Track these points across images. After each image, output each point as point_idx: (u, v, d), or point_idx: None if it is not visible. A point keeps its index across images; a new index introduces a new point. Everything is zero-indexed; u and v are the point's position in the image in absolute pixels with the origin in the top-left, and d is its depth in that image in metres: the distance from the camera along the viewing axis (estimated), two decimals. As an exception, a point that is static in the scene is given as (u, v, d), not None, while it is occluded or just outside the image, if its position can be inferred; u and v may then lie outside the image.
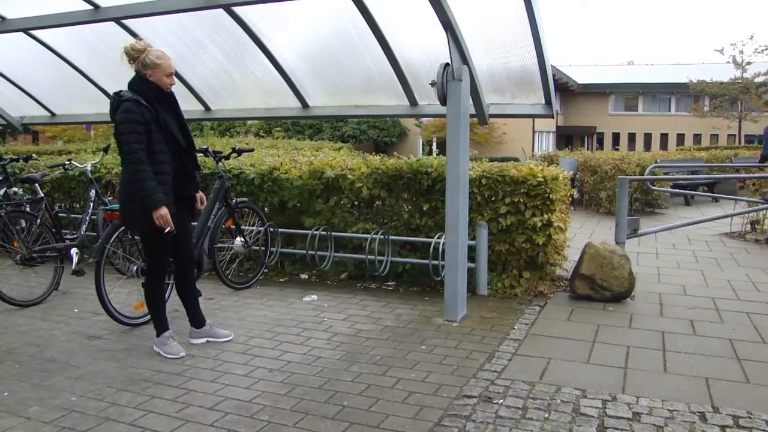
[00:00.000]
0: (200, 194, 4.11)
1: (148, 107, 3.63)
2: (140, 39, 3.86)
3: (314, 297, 5.23)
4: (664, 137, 37.25)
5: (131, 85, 3.73)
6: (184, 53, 5.62)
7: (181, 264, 4.06)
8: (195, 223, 4.74)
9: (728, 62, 28.64)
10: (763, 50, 27.76)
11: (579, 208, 11.71)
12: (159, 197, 3.58)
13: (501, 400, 3.18)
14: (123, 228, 4.46)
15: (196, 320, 4.14)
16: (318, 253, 5.55)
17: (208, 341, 4.12)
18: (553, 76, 5.14)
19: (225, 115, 6.48)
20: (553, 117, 5.19)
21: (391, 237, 5.51)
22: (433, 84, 4.41)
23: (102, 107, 6.65)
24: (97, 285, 4.23)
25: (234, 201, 5.37)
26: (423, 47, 4.92)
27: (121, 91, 3.71)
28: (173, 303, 4.91)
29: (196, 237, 4.88)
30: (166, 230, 3.64)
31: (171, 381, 3.48)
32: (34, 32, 5.89)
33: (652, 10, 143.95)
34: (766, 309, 4.85)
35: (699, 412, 3.03)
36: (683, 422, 2.93)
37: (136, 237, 4.71)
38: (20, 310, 4.91)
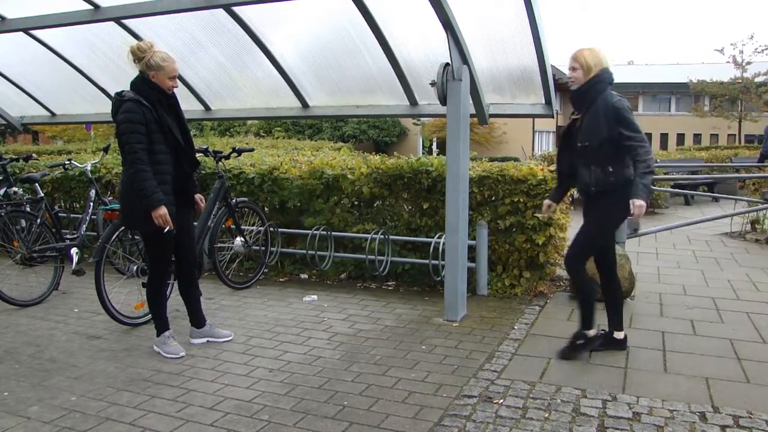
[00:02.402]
0: (198, 195, 4.10)
1: (149, 107, 3.63)
2: (143, 40, 3.87)
3: (314, 297, 5.23)
4: (664, 137, 37.26)
5: (133, 85, 3.73)
6: (184, 53, 5.62)
7: (184, 264, 4.06)
8: (195, 223, 4.74)
9: (728, 62, 28.65)
10: (763, 50, 27.82)
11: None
12: (158, 197, 3.58)
13: (501, 400, 3.18)
14: (123, 228, 4.46)
15: (197, 320, 4.15)
16: (318, 253, 5.55)
17: (208, 341, 4.12)
18: (553, 75, 5.13)
19: (225, 115, 6.48)
20: (553, 117, 5.19)
21: (391, 237, 5.51)
22: (433, 84, 4.41)
23: (102, 107, 6.66)
24: (97, 285, 4.24)
25: (234, 201, 5.37)
26: (423, 47, 4.91)
27: (123, 91, 3.72)
28: (173, 303, 4.91)
29: (196, 237, 4.88)
30: (166, 230, 3.64)
31: (171, 381, 3.48)
32: (34, 32, 5.89)
33: (652, 10, 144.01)
34: (766, 309, 4.85)
35: (699, 412, 3.03)
36: (683, 422, 2.93)
37: (136, 237, 4.72)
38: (20, 310, 4.91)
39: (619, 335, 3.86)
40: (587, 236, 3.75)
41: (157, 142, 3.65)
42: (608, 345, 3.85)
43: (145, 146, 3.59)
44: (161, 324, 3.95)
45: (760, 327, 4.37)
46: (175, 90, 3.85)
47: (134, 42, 3.93)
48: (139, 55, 3.69)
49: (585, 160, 3.64)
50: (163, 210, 3.59)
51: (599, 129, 3.52)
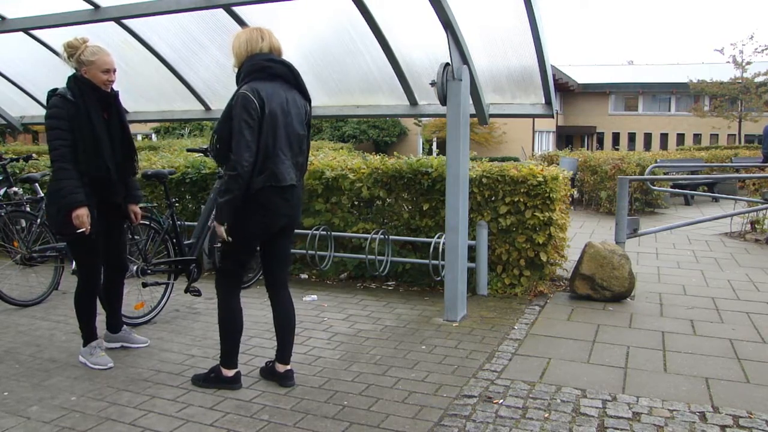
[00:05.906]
0: (135, 208, 3.86)
1: (75, 103, 3.46)
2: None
3: (314, 297, 5.23)
4: (664, 137, 37.26)
5: (66, 82, 3.55)
6: (184, 53, 5.61)
7: (112, 270, 3.91)
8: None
9: (728, 62, 28.62)
10: (763, 50, 27.79)
11: (579, 208, 11.71)
12: (78, 197, 3.40)
13: (501, 400, 3.18)
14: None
15: (114, 324, 4.03)
16: (318, 253, 5.54)
17: (122, 346, 4.01)
18: (553, 75, 5.14)
19: (225, 115, 6.46)
20: (553, 117, 5.19)
21: (391, 237, 5.51)
22: (433, 84, 4.41)
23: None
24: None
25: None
26: (423, 47, 4.91)
27: (57, 88, 3.55)
28: (173, 303, 4.93)
29: (195, 237, 4.87)
30: (79, 231, 3.43)
31: (171, 381, 3.48)
32: (34, 32, 5.89)
33: (652, 10, 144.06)
34: (766, 309, 4.85)
35: (699, 412, 3.03)
36: (683, 422, 2.93)
37: (135, 237, 4.72)
38: (20, 310, 4.91)
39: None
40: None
41: (80, 140, 3.46)
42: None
43: (69, 143, 3.43)
44: (89, 334, 3.74)
45: (760, 327, 4.37)
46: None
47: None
48: (70, 52, 3.52)
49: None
50: (83, 211, 3.41)
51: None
